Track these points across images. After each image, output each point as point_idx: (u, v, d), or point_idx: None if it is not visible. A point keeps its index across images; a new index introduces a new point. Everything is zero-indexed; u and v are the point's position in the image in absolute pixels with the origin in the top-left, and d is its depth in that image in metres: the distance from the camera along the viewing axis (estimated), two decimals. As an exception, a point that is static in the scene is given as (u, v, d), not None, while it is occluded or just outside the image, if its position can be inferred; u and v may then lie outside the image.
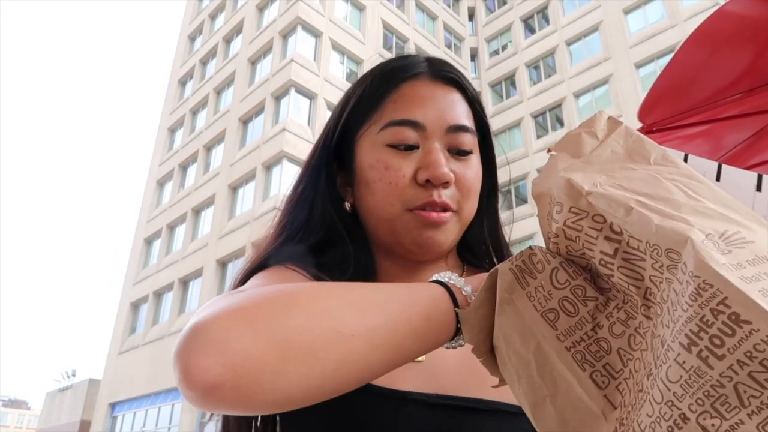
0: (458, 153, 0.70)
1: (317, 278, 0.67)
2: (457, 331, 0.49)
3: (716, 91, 1.87)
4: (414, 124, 0.68)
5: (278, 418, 0.66)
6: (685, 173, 0.42)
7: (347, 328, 0.43)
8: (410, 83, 0.71)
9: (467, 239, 0.76)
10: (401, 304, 0.47)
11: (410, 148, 0.68)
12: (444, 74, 0.73)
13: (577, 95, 22.48)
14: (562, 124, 22.50)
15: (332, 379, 0.42)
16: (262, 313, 0.42)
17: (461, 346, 0.50)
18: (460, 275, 0.67)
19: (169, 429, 18.93)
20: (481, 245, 0.78)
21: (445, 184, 0.67)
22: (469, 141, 0.71)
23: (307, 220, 0.73)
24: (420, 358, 0.64)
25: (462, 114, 0.71)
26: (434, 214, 0.66)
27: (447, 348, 0.50)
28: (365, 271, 0.71)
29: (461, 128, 0.70)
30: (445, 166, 0.67)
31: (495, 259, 0.78)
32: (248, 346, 0.39)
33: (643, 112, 1.99)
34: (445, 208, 0.67)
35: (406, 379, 0.62)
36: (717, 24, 1.73)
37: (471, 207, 0.71)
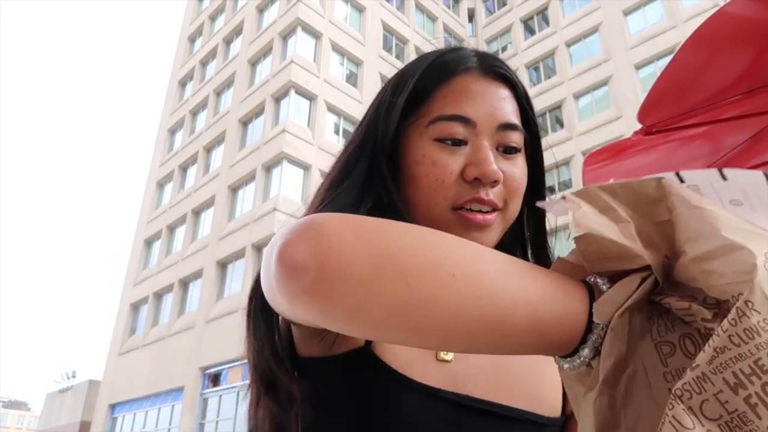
0: (506, 151, 0.68)
1: None
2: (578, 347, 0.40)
3: (716, 92, 1.87)
4: (464, 120, 0.66)
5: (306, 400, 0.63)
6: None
7: (453, 267, 0.38)
8: (461, 77, 0.69)
9: (504, 240, 0.73)
10: (532, 280, 0.39)
11: (458, 143, 0.65)
12: (495, 69, 0.71)
13: (577, 96, 22.48)
14: (562, 125, 22.50)
15: (412, 313, 0.37)
16: (373, 227, 0.40)
17: (579, 366, 0.39)
18: None
19: (169, 430, 18.90)
20: (518, 247, 0.76)
21: (494, 183, 0.65)
22: (518, 139, 0.69)
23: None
24: (448, 357, 0.63)
25: (512, 111, 0.69)
26: (479, 216, 0.65)
27: (564, 366, 0.41)
28: None
29: (511, 126, 0.68)
30: (495, 164, 0.65)
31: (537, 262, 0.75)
32: (345, 247, 0.38)
33: (643, 114, 1.99)
34: (491, 207, 0.65)
35: (434, 377, 0.61)
36: (717, 25, 1.72)
37: (516, 207, 0.69)
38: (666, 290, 0.36)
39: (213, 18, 26.65)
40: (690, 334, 0.35)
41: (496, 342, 0.39)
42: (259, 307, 0.62)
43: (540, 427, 0.62)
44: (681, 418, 0.30)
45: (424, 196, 0.65)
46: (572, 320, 0.38)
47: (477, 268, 0.38)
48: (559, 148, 21.77)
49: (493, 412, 0.61)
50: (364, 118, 0.74)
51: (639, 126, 2.05)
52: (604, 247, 0.38)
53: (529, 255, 0.76)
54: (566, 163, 21.37)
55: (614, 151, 2.32)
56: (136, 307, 22.98)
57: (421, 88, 0.69)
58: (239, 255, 18.24)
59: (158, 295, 21.73)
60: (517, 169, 0.68)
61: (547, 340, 0.39)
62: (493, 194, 0.65)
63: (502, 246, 0.74)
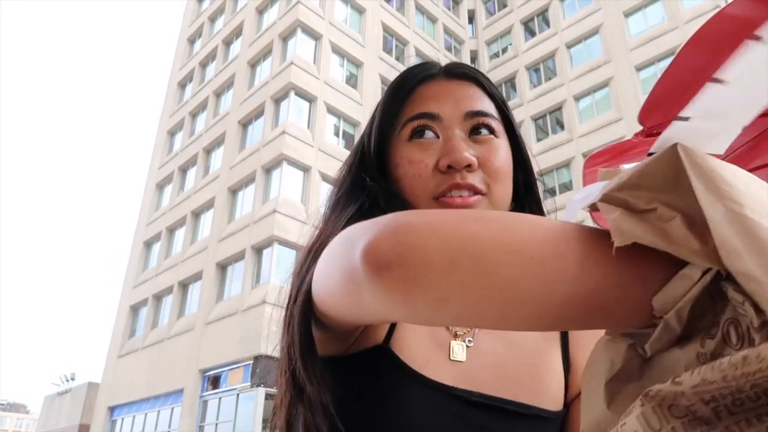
0: (480, 138, 0.70)
1: None
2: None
3: (717, 94, 1.85)
4: (430, 116, 0.70)
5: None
6: None
7: (531, 250, 0.37)
8: (426, 84, 0.74)
9: None
10: (613, 262, 0.37)
11: (429, 138, 0.70)
12: (459, 71, 0.75)
13: (578, 98, 22.50)
14: (562, 127, 22.51)
15: (495, 300, 0.38)
16: (447, 219, 0.41)
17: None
18: None
19: (168, 432, 18.89)
20: None
21: (468, 168, 0.67)
22: (490, 125, 0.71)
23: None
24: (461, 358, 0.66)
25: (480, 102, 0.73)
26: (459, 200, 0.67)
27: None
28: None
29: (479, 113, 0.71)
30: (466, 150, 0.67)
31: None
32: (422, 242, 0.39)
33: (644, 115, 1.97)
34: (472, 191, 0.67)
35: (448, 375, 0.64)
36: (718, 26, 1.71)
37: (503, 190, 0.70)
38: (726, 275, 0.33)
39: (212, 19, 26.67)
40: (736, 321, 0.32)
41: (571, 320, 0.38)
42: (301, 304, 0.63)
43: (546, 422, 0.65)
44: (649, 417, 0.30)
45: (408, 193, 0.69)
46: (638, 306, 0.37)
47: (556, 249, 0.37)
48: (559, 149, 21.78)
49: (503, 408, 0.64)
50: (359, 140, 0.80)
51: (640, 128, 2.03)
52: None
53: None
54: (566, 164, 21.37)
55: (615, 152, 2.30)
56: (135, 309, 22.97)
57: (392, 103, 0.74)
58: (239, 257, 18.22)
59: (158, 297, 21.72)
60: (495, 152, 0.70)
61: (615, 320, 0.38)
62: (471, 178, 0.67)
63: None
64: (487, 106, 0.73)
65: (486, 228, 0.40)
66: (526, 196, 0.77)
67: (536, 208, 0.78)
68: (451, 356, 0.66)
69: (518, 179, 0.75)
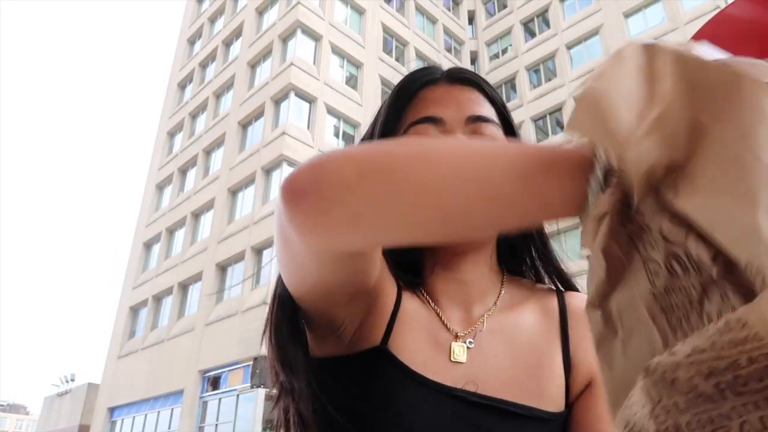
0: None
1: None
2: None
3: (717, 95, 1.84)
4: (432, 120, 0.71)
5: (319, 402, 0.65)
6: None
7: (438, 155, 0.39)
8: (429, 88, 0.75)
9: (512, 243, 0.78)
10: (523, 153, 0.38)
11: None
12: (461, 76, 0.77)
13: (577, 99, 22.48)
14: (562, 127, 22.50)
15: (405, 205, 0.38)
16: (368, 146, 0.43)
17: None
18: (501, 281, 0.73)
19: (168, 434, 18.88)
20: (525, 250, 0.79)
21: None
22: (493, 130, 0.72)
23: None
24: (462, 360, 0.67)
25: (482, 107, 0.74)
26: None
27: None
28: (414, 267, 0.73)
29: (481, 118, 0.72)
30: None
31: (536, 266, 0.79)
32: (336, 165, 0.41)
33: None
34: None
35: (448, 376, 0.65)
36: (718, 27, 1.70)
37: None
38: (659, 202, 0.31)
39: (212, 20, 26.67)
40: (677, 256, 0.30)
41: (493, 217, 0.39)
42: (279, 292, 0.66)
43: (546, 423, 0.65)
44: (650, 389, 0.29)
45: None
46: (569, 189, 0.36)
47: (464, 152, 0.39)
48: (559, 150, 21.76)
49: (503, 409, 0.64)
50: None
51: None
52: (601, 119, 0.32)
53: (535, 259, 0.79)
54: (566, 165, 21.37)
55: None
56: (135, 310, 22.96)
57: (394, 106, 0.75)
58: (239, 258, 18.22)
59: (157, 298, 21.71)
60: None
61: (546, 204, 0.37)
62: None
63: (511, 251, 0.79)
64: (488, 110, 0.74)
65: (397, 144, 0.42)
66: None
67: None
68: (452, 357, 0.67)
69: None
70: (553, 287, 0.78)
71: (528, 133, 23.04)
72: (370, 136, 0.77)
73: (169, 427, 18.66)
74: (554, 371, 0.69)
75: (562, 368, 0.70)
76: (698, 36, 1.74)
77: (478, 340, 0.69)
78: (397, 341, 0.65)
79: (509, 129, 0.76)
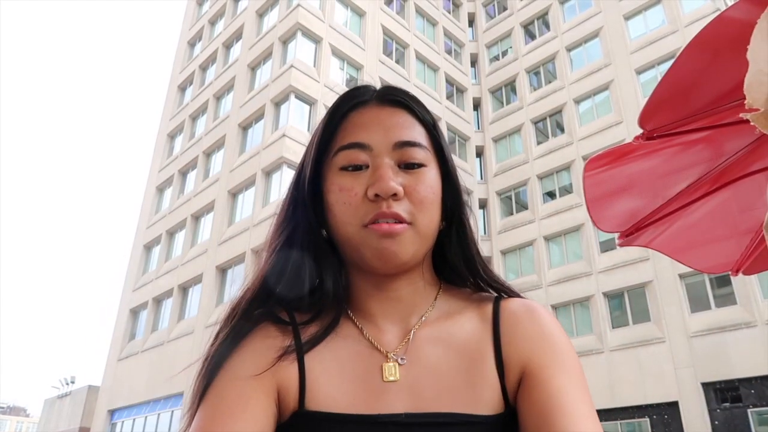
0: (408, 167, 0.72)
1: (288, 316, 0.74)
2: None
3: (717, 96, 1.85)
4: (360, 146, 0.72)
5: None
6: None
7: None
8: (358, 110, 0.76)
9: (448, 258, 0.80)
10: None
11: (359, 168, 0.72)
12: (391, 98, 0.77)
13: (578, 101, 22.51)
14: (562, 130, 22.52)
15: None
16: None
17: None
18: (437, 293, 0.75)
19: (168, 436, 18.86)
20: (461, 263, 0.80)
21: (394, 197, 0.69)
22: (420, 155, 0.73)
23: (288, 250, 0.77)
24: (393, 378, 0.69)
25: (410, 131, 0.74)
26: (385, 225, 0.68)
27: None
28: (335, 294, 0.75)
29: (408, 143, 0.72)
30: (392, 180, 0.69)
31: (473, 277, 0.80)
32: None
33: (644, 118, 1.97)
34: (397, 219, 0.69)
35: (381, 402, 0.67)
36: (718, 30, 1.70)
37: (427, 219, 0.72)
38: None
39: (213, 22, 26.72)
40: None
41: None
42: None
43: (479, 426, 0.66)
44: None
45: (339, 221, 0.72)
46: None
47: None
48: (559, 152, 21.79)
49: (433, 422, 0.66)
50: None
51: (640, 131, 2.03)
52: None
53: (472, 272, 0.81)
54: (567, 167, 21.37)
55: (615, 156, 2.29)
56: (135, 313, 22.96)
57: (326, 129, 0.76)
58: (239, 260, 18.22)
59: (158, 301, 21.71)
60: (421, 183, 0.72)
61: None
62: (396, 207, 0.69)
63: (448, 264, 0.80)
64: (418, 133, 0.75)
65: None
66: (452, 219, 0.79)
67: (461, 231, 0.80)
68: (384, 378, 0.69)
69: (447, 203, 0.77)
70: (494, 293, 0.80)
71: (528, 135, 23.05)
72: (304, 160, 0.79)
73: (169, 429, 18.65)
74: (487, 374, 0.70)
75: (495, 370, 0.70)
76: (699, 38, 1.75)
77: (410, 354, 0.71)
78: (314, 395, 0.67)
79: (439, 150, 0.77)
